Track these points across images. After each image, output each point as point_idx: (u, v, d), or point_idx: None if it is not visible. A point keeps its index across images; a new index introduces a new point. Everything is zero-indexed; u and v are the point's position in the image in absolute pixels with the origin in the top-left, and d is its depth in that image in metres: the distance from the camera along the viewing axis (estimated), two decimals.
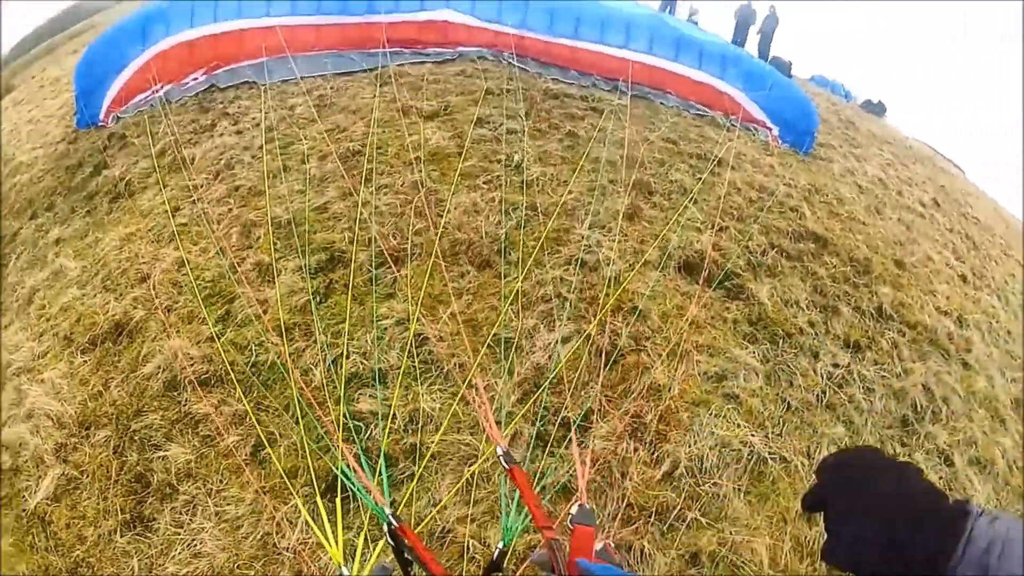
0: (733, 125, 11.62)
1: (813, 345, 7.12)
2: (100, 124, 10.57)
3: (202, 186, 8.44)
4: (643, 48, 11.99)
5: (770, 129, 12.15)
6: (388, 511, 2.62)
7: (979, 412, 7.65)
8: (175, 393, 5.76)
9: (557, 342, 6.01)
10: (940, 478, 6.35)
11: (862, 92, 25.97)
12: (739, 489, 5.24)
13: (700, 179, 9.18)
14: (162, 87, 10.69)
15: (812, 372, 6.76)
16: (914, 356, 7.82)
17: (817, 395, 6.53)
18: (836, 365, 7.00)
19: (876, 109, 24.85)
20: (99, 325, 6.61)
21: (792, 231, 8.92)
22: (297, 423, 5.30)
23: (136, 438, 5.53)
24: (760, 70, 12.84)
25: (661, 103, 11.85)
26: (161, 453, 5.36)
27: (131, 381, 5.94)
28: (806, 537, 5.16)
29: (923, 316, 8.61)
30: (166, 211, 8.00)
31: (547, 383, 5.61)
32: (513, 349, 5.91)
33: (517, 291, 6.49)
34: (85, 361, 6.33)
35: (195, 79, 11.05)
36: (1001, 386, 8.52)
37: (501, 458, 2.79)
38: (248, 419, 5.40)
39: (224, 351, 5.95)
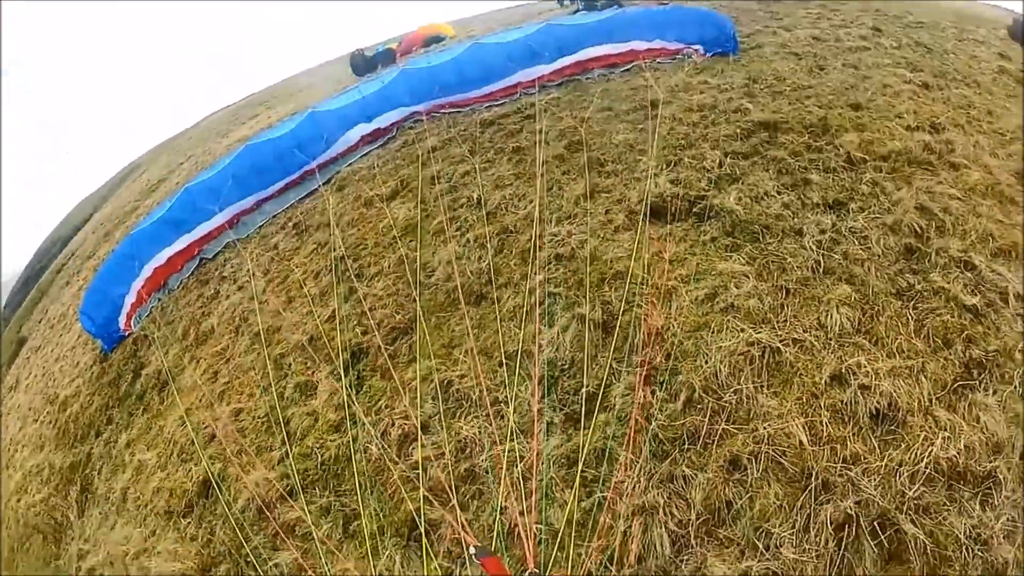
0: (656, 64, 11.83)
1: (794, 224, 7.23)
2: (123, 336, 11.47)
3: (228, 346, 9.19)
4: (550, 59, 12.38)
5: (696, 49, 12.32)
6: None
7: (984, 203, 7.56)
8: (269, 510, 6.43)
9: (558, 334, 6.43)
10: (964, 286, 6.31)
11: None
12: (760, 386, 5.47)
13: (641, 128, 9.42)
14: (164, 287, 11.67)
15: (801, 249, 6.87)
16: (899, 184, 7.82)
17: (812, 267, 6.63)
18: (822, 231, 7.09)
19: None
20: (189, 490, 7.40)
21: (741, 131, 9.05)
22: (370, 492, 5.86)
23: (249, 560, 6.21)
24: (659, 16, 13.20)
25: (588, 79, 12.09)
26: (272, 562, 6.05)
27: (230, 520, 6.63)
28: (843, 401, 5.32)
29: (894, 143, 8.58)
30: (209, 379, 8.82)
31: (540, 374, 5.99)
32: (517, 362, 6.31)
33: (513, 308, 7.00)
34: (188, 522, 7.12)
35: (188, 264, 11.94)
36: (999, 167, 8.40)
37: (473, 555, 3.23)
38: (332, 507, 6.07)
39: (295, 463, 6.66)
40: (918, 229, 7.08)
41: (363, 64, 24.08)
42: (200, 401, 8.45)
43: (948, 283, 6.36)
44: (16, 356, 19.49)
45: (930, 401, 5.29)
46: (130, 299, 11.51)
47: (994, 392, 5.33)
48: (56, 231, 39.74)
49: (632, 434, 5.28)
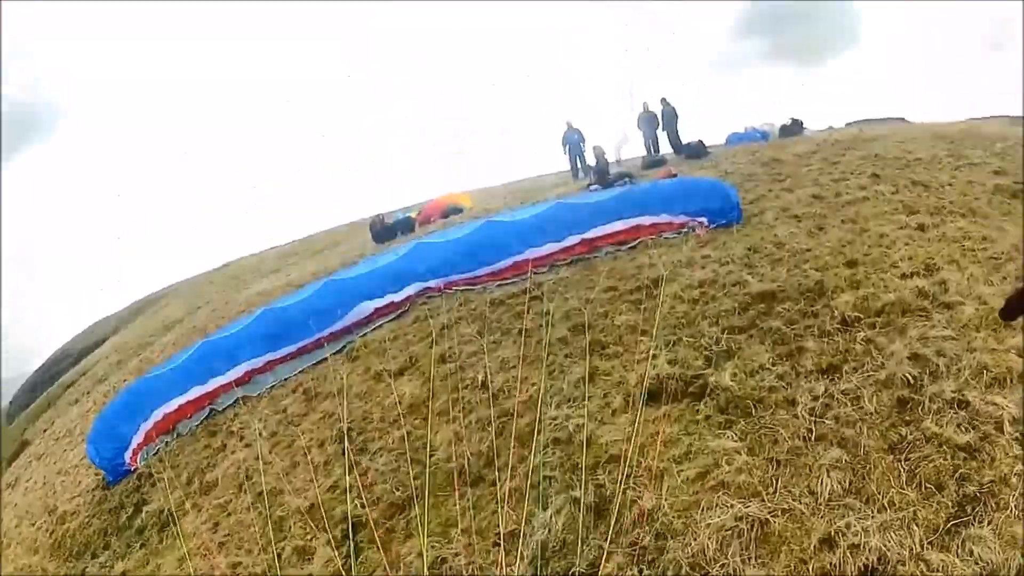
0: (662, 239, 12.66)
1: (787, 395, 7.66)
2: (129, 471, 12.24)
3: (231, 500, 9.89)
4: (559, 238, 13.42)
5: (700, 222, 13.12)
6: None
7: (979, 336, 7.86)
8: None
9: (551, 516, 6.91)
10: (957, 426, 6.51)
11: (778, 121, 26.83)
12: (747, 559, 5.79)
13: (643, 308, 10.09)
14: (173, 430, 12.60)
15: (793, 419, 7.26)
16: (892, 338, 8.17)
17: (803, 436, 6.99)
18: (815, 398, 7.46)
19: (794, 130, 25.73)
20: None
21: (738, 305, 9.71)
22: None
23: None
24: (666, 190, 14.25)
25: (596, 256, 12.98)
26: None
27: None
28: (832, 562, 5.56)
29: (888, 295, 9.05)
30: (209, 529, 9.41)
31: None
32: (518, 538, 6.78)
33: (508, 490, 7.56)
34: None
35: (198, 415, 12.82)
36: (993, 293, 8.71)
37: None
38: None
39: None
40: (911, 380, 7.39)
41: (383, 231, 25.51)
42: (199, 548, 9.00)
43: (940, 427, 6.59)
44: (17, 456, 20.80)
45: (921, 547, 5.48)
46: (137, 439, 12.41)
47: (989, 522, 5.51)
48: (68, 345, 41.67)
49: None
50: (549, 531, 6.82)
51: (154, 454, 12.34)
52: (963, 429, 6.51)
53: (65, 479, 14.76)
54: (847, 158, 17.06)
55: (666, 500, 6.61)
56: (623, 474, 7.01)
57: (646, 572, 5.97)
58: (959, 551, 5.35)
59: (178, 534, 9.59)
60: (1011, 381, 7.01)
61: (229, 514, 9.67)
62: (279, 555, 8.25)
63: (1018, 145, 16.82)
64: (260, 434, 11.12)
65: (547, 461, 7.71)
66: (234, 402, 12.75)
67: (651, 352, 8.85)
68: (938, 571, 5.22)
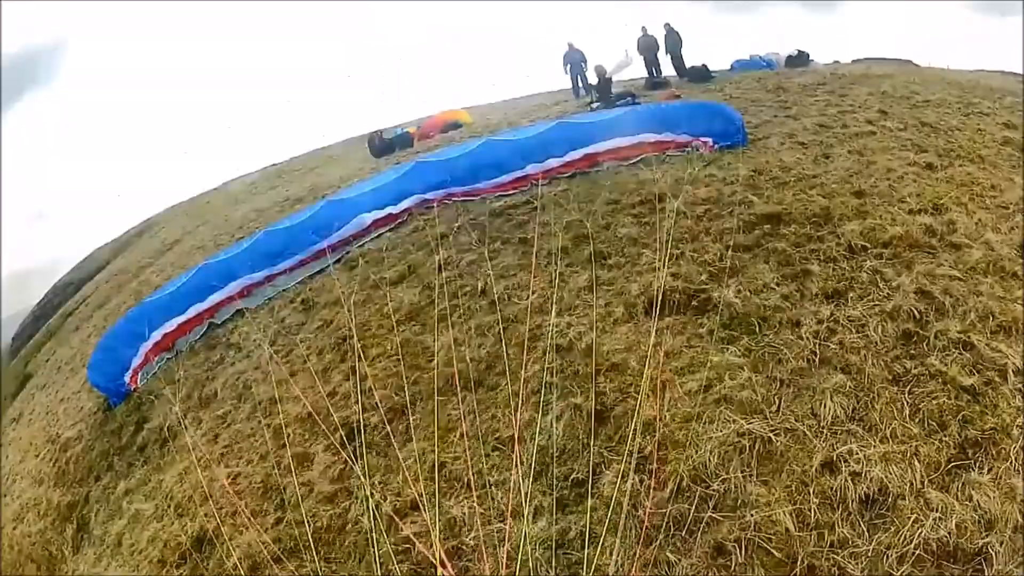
0: (665, 157, 12.31)
1: (792, 316, 7.49)
2: (130, 391, 12.11)
3: (230, 411, 9.78)
4: (561, 154, 13.02)
5: (704, 142, 12.76)
6: None
7: (986, 281, 7.73)
8: (259, 570, 6.76)
9: (552, 422, 6.78)
10: (962, 367, 6.44)
11: (783, 51, 26.26)
12: (749, 475, 5.68)
13: (646, 222, 9.81)
14: (172, 348, 12.44)
15: (797, 340, 7.10)
16: (899, 270, 8.02)
17: (807, 358, 6.85)
18: (820, 321, 7.31)
19: (800, 60, 25.22)
20: (183, 544, 7.73)
21: (744, 224, 9.42)
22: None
23: None
24: (670, 111, 13.87)
25: (597, 171, 12.60)
26: None
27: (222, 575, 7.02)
28: (833, 487, 5.49)
29: (896, 228, 8.83)
30: (209, 441, 9.32)
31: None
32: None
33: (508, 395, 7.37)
34: (181, 573, 7.47)
35: (197, 329, 12.61)
36: (1000, 242, 8.57)
37: None
38: (322, 573, 6.39)
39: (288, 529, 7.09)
40: (917, 314, 7.26)
41: (380, 146, 24.86)
42: (200, 461, 8.82)
43: (945, 366, 6.50)
44: (21, 390, 20.49)
45: (922, 483, 5.42)
46: (137, 360, 12.23)
47: (989, 470, 5.45)
48: (69, 275, 41.23)
49: (619, 520, 5.48)
50: (548, 437, 6.67)
51: (153, 373, 12.12)
52: (967, 371, 6.41)
53: (67, 406, 14.53)
54: (855, 92, 16.60)
55: (668, 411, 6.46)
56: (622, 382, 6.92)
57: (647, 482, 5.83)
58: (959, 494, 5.29)
59: (179, 448, 9.46)
60: (1016, 331, 6.91)
61: (228, 425, 9.51)
62: (278, 463, 8.08)
63: None
64: (259, 344, 10.83)
65: (548, 368, 7.46)
66: (233, 315, 12.52)
67: (659, 264, 8.61)
68: (937, 511, 5.15)
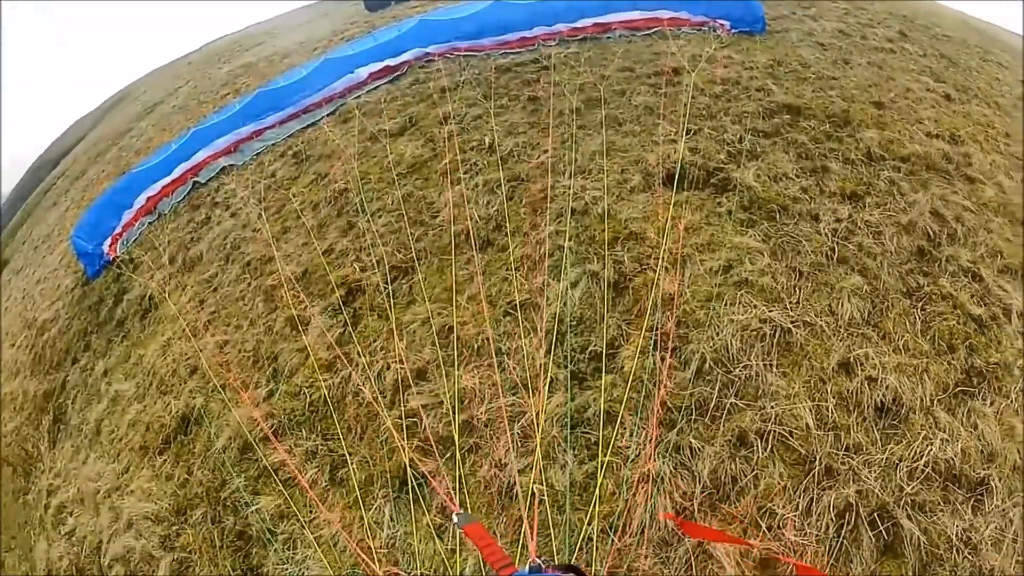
0: (680, 32, 11.58)
1: (811, 209, 7.10)
2: (109, 261, 11.06)
3: (217, 274, 8.92)
4: (572, 20, 12.12)
5: (721, 23, 12.05)
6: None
7: (996, 220, 7.55)
8: (250, 454, 6.18)
9: (567, 288, 6.21)
10: (971, 296, 6.32)
11: None
12: (770, 364, 5.35)
13: (662, 93, 9.17)
14: (154, 211, 11.40)
15: (816, 234, 6.76)
16: (915, 187, 7.73)
17: (826, 254, 6.53)
18: (839, 220, 6.98)
19: None
20: (167, 425, 7.08)
21: (763, 110, 8.86)
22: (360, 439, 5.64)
23: (228, 503, 5.99)
24: None
25: (608, 38, 11.77)
26: (253, 507, 5.77)
27: (210, 459, 6.40)
28: (849, 389, 5.25)
29: (914, 146, 8.47)
30: (195, 307, 8.50)
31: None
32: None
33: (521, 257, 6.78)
34: (165, 460, 6.81)
35: (180, 190, 11.57)
36: (1012, 188, 8.41)
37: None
38: (319, 451, 5.80)
39: (282, 402, 6.40)
40: (931, 233, 7.02)
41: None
42: (183, 332, 8.10)
43: (956, 290, 6.34)
44: None
45: (932, 402, 5.27)
46: (118, 229, 11.25)
47: (991, 403, 5.33)
48: (47, 152, 38.62)
49: (641, 399, 5.14)
50: (565, 304, 6.11)
51: (135, 240, 11.03)
52: (976, 301, 6.27)
53: (44, 286, 13.34)
54: (875, 7, 15.69)
55: (688, 288, 6.01)
56: (627, 251, 6.46)
57: (668, 360, 5.43)
58: (964, 420, 5.16)
59: (161, 318, 8.78)
60: (1020, 275, 6.79)
61: (215, 289, 8.67)
62: (270, 328, 7.38)
63: None
64: (247, 201, 9.88)
65: (561, 231, 6.88)
66: (219, 172, 11.45)
67: (678, 136, 8.04)
68: (945, 431, 5.00)
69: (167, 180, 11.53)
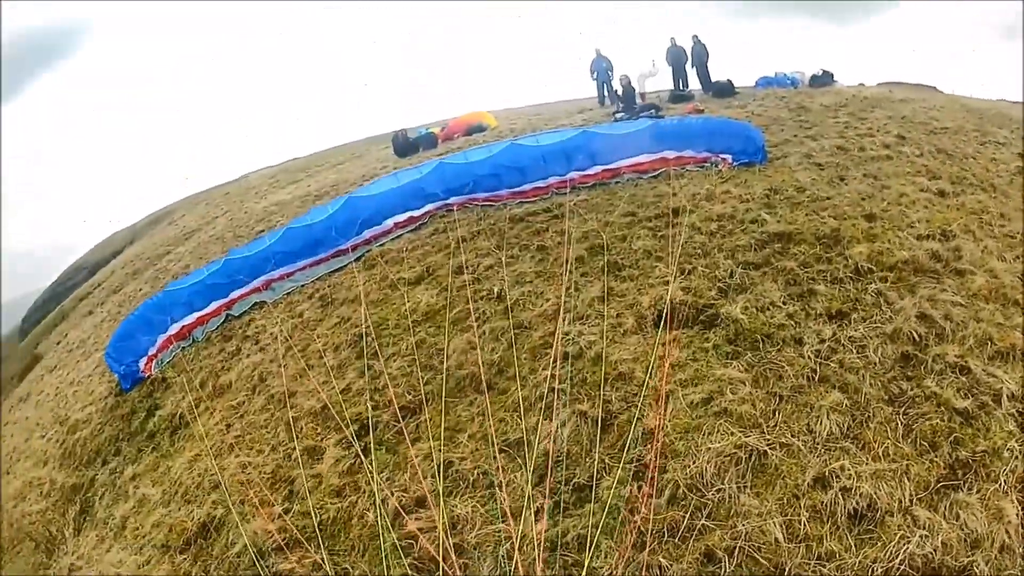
0: (683, 171, 12.53)
1: (795, 334, 7.69)
2: (143, 378, 12.32)
3: (244, 402, 9.99)
4: (583, 166, 13.28)
5: (724, 159, 12.96)
6: None
7: (987, 308, 7.90)
8: (263, 561, 6.96)
9: (558, 427, 7.03)
10: (957, 390, 6.62)
11: (808, 70, 26.33)
12: (743, 487, 5.91)
13: (661, 236, 10.04)
14: (189, 337, 12.71)
15: (799, 357, 7.29)
16: (902, 294, 8.18)
17: (807, 376, 7.06)
18: (822, 340, 7.50)
19: (824, 80, 25.23)
20: (189, 529, 7.97)
21: (755, 242, 9.62)
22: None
23: None
24: (693, 127, 14.16)
25: (616, 182, 12.84)
26: None
27: (225, 562, 7.24)
28: (823, 502, 5.69)
29: (903, 252, 8.98)
30: (221, 430, 9.51)
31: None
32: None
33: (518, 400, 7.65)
34: (184, 558, 7.68)
35: (214, 320, 12.90)
36: (1005, 270, 8.74)
37: None
38: (325, 564, 6.59)
39: (295, 521, 7.29)
40: (916, 337, 7.44)
41: (404, 145, 24.90)
42: (210, 450, 9.11)
43: (941, 388, 6.69)
44: (29, 371, 20.72)
45: (911, 501, 5.61)
46: (154, 348, 12.53)
47: (977, 491, 5.63)
48: (84, 258, 41.66)
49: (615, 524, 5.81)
50: (554, 442, 6.92)
51: (168, 361, 12.37)
52: (962, 394, 6.58)
53: (77, 389, 14.71)
54: (874, 115, 16.73)
55: (669, 421, 6.70)
56: (615, 390, 7.25)
57: (644, 489, 6.08)
58: (946, 513, 5.46)
59: (190, 436, 9.74)
60: (1014, 358, 7.06)
61: (242, 416, 9.73)
62: (289, 455, 8.36)
63: None
64: (276, 338, 11.09)
65: (556, 375, 7.73)
66: (250, 307, 12.80)
67: (671, 276, 8.89)
68: (924, 528, 5.33)
69: (203, 313, 12.80)
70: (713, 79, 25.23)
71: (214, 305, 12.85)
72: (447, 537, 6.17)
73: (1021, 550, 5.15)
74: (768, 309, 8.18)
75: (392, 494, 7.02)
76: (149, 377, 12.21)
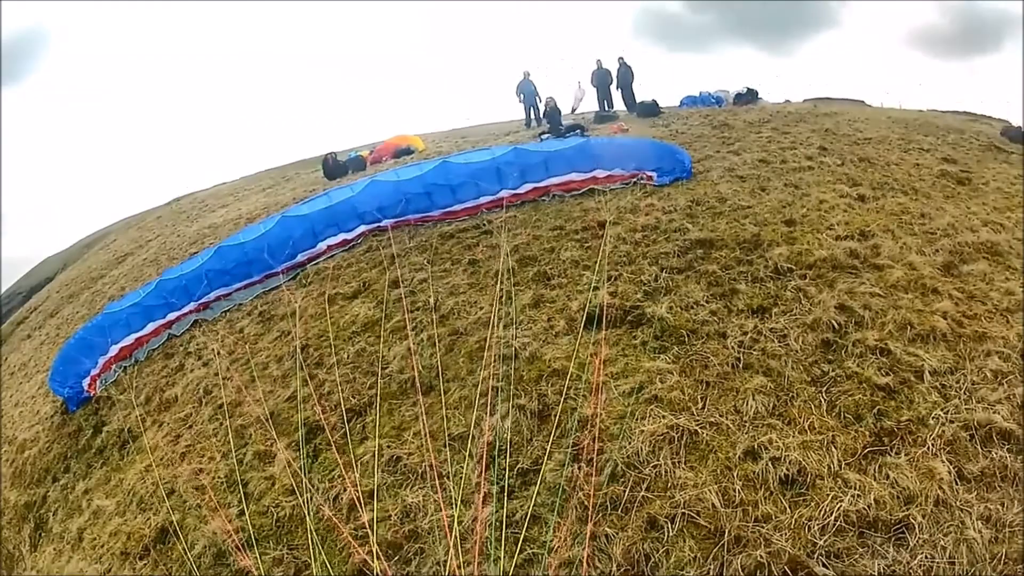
0: (608, 189, 13.19)
1: (719, 328, 8.34)
2: (88, 397, 12.57)
3: (191, 414, 10.31)
4: (515, 184, 13.77)
5: (648, 176, 13.64)
6: None
7: (906, 297, 8.62)
8: (224, 558, 7.25)
9: (498, 420, 7.54)
10: (878, 369, 7.29)
11: (732, 88, 27.61)
12: (678, 462, 6.41)
13: (588, 247, 10.64)
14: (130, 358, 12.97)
15: (723, 348, 7.95)
16: (821, 288, 8.92)
17: (732, 364, 7.69)
18: (744, 333, 8.17)
19: (748, 97, 26.63)
20: (147, 535, 8.18)
21: (678, 249, 10.34)
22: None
23: None
24: (623, 147, 15.21)
25: (544, 199, 13.51)
26: None
27: (186, 565, 7.43)
28: (755, 471, 6.22)
29: (820, 252, 9.74)
30: (170, 441, 9.80)
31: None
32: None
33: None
34: (145, 563, 7.88)
35: (155, 340, 13.16)
36: (925, 262, 9.51)
37: None
38: (285, 559, 6.95)
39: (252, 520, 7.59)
40: (836, 326, 8.13)
41: (335, 168, 25.63)
42: (162, 460, 9.34)
43: (862, 368, 7.35)
44: None
45: (839, 466, 6.14)
46: (95, 370, 12.79)
47: (906, 454, 6.17)
48: (18, 283, 40.88)
49: (560, 502, 6.26)
50: (496, 433, 7.36)
51: (112, 380, 12.59)
52: (883, 372, 7.26)
53: (23, 410, 14.81)
54: (798, 129, 17.87)
55: (604, 409, 7.20)
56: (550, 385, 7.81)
57: (585, 469, 6.54)
58: (876, 475, 6.02)
59: (139, 448, 9.92)
60: (934, 339, 7.77)
61: (190, 426, 10.00)
62: (240, 460, 8.63)
63: (972, 140, 18.10)
64: (219, 353, 11.40)
65: (494, 374, 8.20)
66: (191, 325, 13.07)
67: (594, 284, 9.48)
68: (855, 488, 5.86)
69: (141, 334, 13.07)
70: (638, 99, 26.34)
71: (152, 326, 13.10)
72: (373, 534, 6.61)
73: (957, 503, 5.65)
74: (692, 308, 8.82)
75: (345, 489, 7.34)
76: (94, 396, 12.43)
